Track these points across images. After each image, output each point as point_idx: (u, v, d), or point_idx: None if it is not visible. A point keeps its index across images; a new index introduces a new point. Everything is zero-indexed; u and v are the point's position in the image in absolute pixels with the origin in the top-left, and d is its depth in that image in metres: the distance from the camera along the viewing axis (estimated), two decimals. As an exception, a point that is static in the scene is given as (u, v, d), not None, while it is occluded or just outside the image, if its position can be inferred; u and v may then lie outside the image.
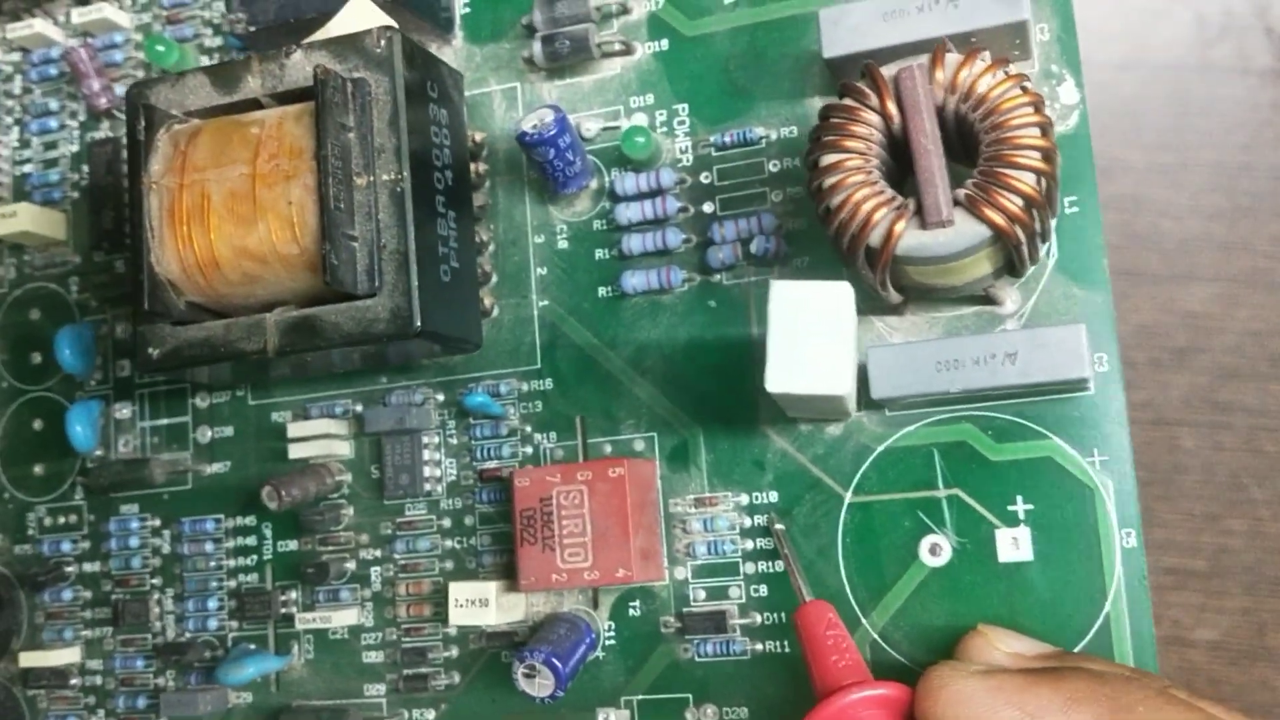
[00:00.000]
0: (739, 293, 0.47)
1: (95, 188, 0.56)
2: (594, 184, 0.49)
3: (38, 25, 0.57)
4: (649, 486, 0.46)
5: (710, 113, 0.48)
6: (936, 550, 0.44)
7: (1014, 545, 0.43)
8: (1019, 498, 0.44)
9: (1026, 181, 0.37)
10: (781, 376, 0.36)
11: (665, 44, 0.49)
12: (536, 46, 0.49)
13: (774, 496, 0.46)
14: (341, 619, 0.50)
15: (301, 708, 0.50)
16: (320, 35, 0.47)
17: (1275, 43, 0.51)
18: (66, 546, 0.55)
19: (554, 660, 0.44)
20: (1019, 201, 0.37)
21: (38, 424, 0.56)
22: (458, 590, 0.47)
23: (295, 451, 0.51)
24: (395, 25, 0.46)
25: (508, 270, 0.50)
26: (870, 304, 0.44)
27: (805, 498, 0.46)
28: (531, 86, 0.51)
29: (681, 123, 0.49)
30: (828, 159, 0.39)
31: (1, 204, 0.56)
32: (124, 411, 0.55)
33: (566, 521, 0.45)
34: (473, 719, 0.49)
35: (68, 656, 0.54)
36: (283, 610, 0.51)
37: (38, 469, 0.56)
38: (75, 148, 0.57)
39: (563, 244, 0.50)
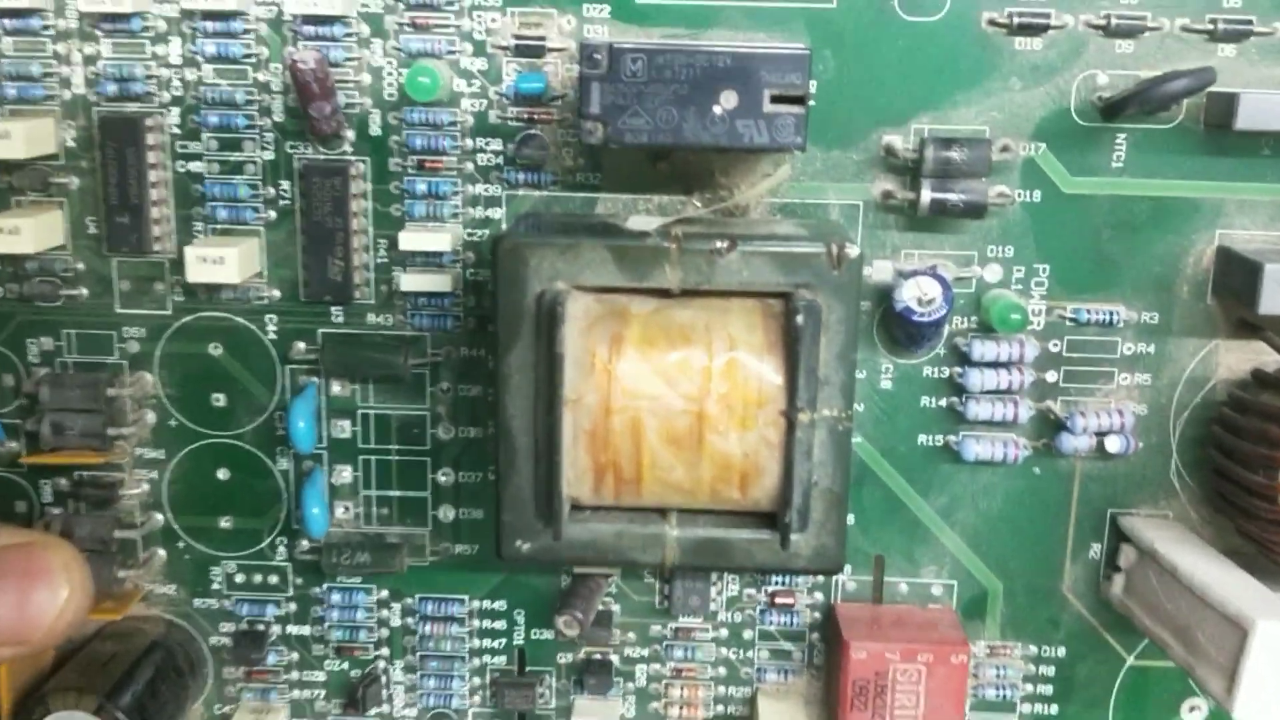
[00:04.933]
0: (1066, 465, 0.48)
1: (316, 227, 0.46)
2: (941, 335, 0.47)
3: (221, -11, 0.44)
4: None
5: (1073, 279, 0.46)
6: (1194, 710, 0.50)
7: (1262, 713, 0.50)
8: (1276, 675, 0.50)
9: None
10: (1252, 710, 0.39)
11: (1038, 195, 0.45)
12: (925, 197, 0.44)
13: (1062, 652, 0.50)
14: (614, 717, 0.50)
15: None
16: (732, 201, 0.40)
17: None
18: (270, 610, 0.50)
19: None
20: None
21: (223, 473, 0.49)
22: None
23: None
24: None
25: (823, 401, 0.47)
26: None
27: (1090, 655, 0.50)
28: (875, 212, 0.46)
29: (1040, 284, 0.46)
30: (1299, 479, 0.40)
31: (201, 243, 0.45)
32: (345, 476, 0.49)
33: (900, 695, 0.47)
34: (734, 805, 0.52)
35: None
36: (541, 701, 0.51)
37: (224, 522, 0.50)
38: (270, 156, 0.46)
39: (886, 384, 0.47)
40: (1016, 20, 0.44)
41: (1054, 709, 0.50)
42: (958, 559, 0.49)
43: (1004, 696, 0.50)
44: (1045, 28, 0.44)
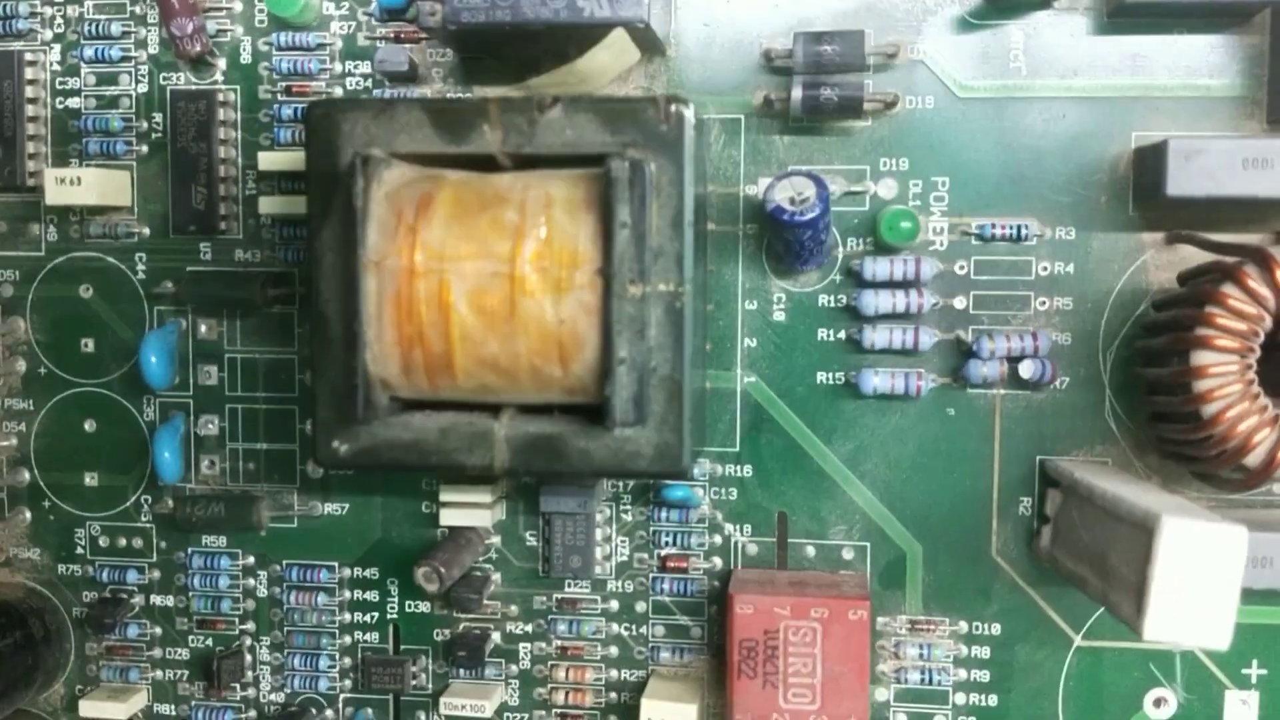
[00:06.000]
0: (984, 403, 0.43)
1: (181, 155, 0.45)
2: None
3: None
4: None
5: (976, 193, 0.42)
6: (1161, 704, 0.43)
7: (1243, 707, 0.42)
8: (1254, 661, 0.42)
9: None
10: (1163, 625, 0.33)
11: (931, 101, 0.42)
12: (796, 94, 0.41)
13: (996, 629, 0.43)
14: (490, 701, 0.45)
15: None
16: (570, 77, 0.37)
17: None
18: (132, 576, 0.47)
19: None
20: None
21: (90, 425, 0.47)
22: (652, 709, 0.42)
23: (447, 518, 0.44)
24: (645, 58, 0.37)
25: (711, 336, 0.43)
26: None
27: (1031, 634, 0.43)
28: (759, 123, 0.43)
29: (939, 199, 0.42)
30: (1206, 359, 0.35)
31: (65, 167, 0.45)
32: (210, 427, 0.46)
33: (794, 659, 0.41)
34: (630, 814, 0.46)
35: (135, 702, 0.47)
36: (414, 682, 0.46)
37: (90, 479, 0.47)
38: (144, 89, 0.46)
39: (779, 315, 0.43)
40: (892, -88, 0.41)
41: (993, 700, 0.43)
42: (869, 516, 0.43)
43: (931, 680, 0.43)
44: (924, -81, 0.41)
